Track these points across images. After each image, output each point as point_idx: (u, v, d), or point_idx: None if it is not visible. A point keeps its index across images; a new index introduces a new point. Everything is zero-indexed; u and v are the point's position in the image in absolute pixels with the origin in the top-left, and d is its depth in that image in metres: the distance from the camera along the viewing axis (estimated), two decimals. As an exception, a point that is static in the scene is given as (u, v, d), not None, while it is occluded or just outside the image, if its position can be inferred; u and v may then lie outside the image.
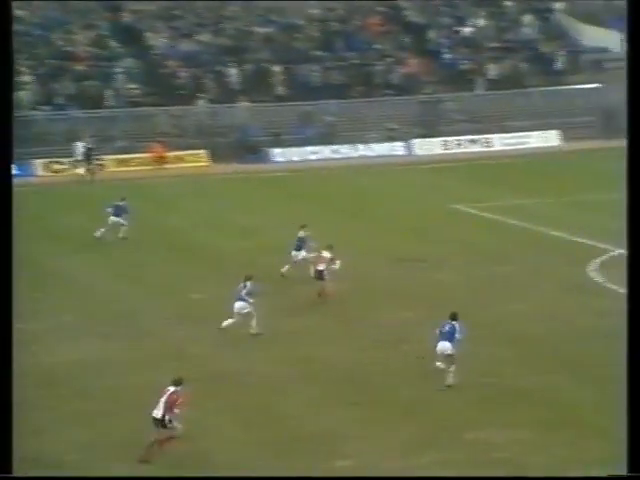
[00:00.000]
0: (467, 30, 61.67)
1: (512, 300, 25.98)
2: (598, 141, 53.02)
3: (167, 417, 16.70)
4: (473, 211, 37.18)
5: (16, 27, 43.28)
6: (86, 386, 20.46)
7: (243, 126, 53.67)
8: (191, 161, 51.16)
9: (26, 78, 51.10)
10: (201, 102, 54.38)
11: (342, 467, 16.75)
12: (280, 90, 56.30)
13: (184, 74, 55.13)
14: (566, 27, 63.47)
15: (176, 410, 16.80)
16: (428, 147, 53.96)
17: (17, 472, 12.78)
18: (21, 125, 42.55)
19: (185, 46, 57.38)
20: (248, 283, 23.65)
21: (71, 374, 21.25)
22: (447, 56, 59.81)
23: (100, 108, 51.88)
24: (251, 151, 52.22)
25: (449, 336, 20.12)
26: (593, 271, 28.29)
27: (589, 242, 31.41)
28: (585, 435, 17.51)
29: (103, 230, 32.90)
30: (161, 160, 49.97)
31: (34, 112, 50.39)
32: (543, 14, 64.24)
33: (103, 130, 50.45)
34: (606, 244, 30.69)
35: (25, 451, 15.64)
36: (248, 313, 23.48)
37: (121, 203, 33.48)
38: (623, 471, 11.78)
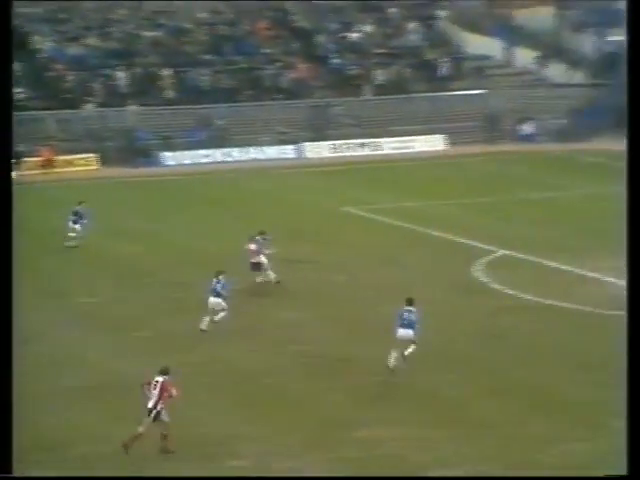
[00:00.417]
0: (354, 36, 62.30)
1: (400, 300, 26.33)
2: (481, 145, 54.20)
3: (159, 407, 16.70)
4: (362, 213, 37.59)
5: None
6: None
7: (133, 130, 53.20)
8: (81, 165, 50.47)
9: None
10: (89, 106, 53.69)
11: (236, 467, 16.80)
12: (169, 94, 55.98)
13: (71, 78, 54.36)
14: (449, 35, 64.63)
15: (165, 399, 16.72)
16: (318, 150, 54.35)
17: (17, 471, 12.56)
18: None
19: (72, 50, 56.58)
20: (221, 277, 23.72)
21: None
22: (335, 61, 60.33)
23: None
24: (142, 155, 51.78)
25: (410, 323, 20.68)
26: (478, 271, 28.88)
27: (474, 243, 32.06)
28: (471, 432, 17.86)
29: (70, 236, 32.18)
30: (49, 164, 49.17)
31: None
32: (427, 21, 65.29)
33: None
34: (490, 245, 31.40)
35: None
36: (222, 309, 23.51)
37: (79, 208, 32.71)
38: (623, 471, 12.05)
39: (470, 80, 60.49)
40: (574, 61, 60.98)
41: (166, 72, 56.45)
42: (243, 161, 52.32)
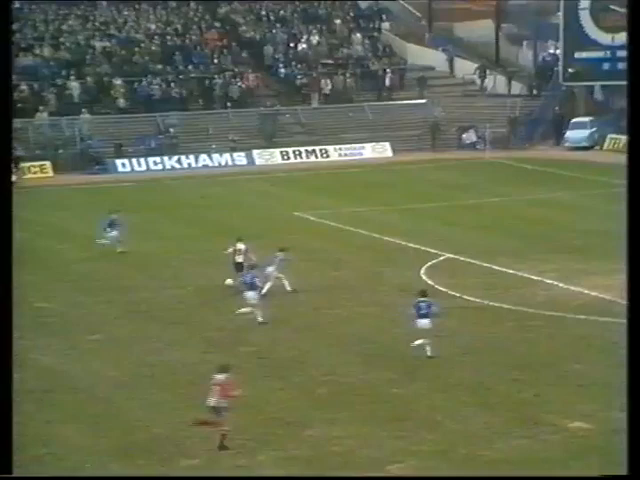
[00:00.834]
0: (301, 47, 62.36)
1: (349, 303, 26.36)
2: (425, 153, 54.52)
3: (219, 405, 16.60)
4: (312, 218, 37.57)
5: None
6: None
7: (86, 138, 52.76)
8: (35, 173, 49.94)
9: None
10: (43, 115, 53.13)
11: (188, 466, 16.66)
12: (121, 102, 55.59)
13: (24, 87, 53.76)
14: (393, 46, 64.96)
15: (227, 397, 16.63)
16: (268, 157, 54.28)
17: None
18: None
19: (25, 60, 55.96)
20: (254, 272, 24.43)
21: None
22: (283, 71, 60.35)
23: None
24: (95, 162, 51.36)
25: (426, 314, 21.51)
26: (424, 274, 28.97)
27: (420, 247, 32.16)
28: (418, 429, 17.88)
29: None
30: (3, 172, 48.45)
31: None
32: (371, 33, 65.57)
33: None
34: (435, 249, 31.52)
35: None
36: (254, 304, 23.91)
37: (114, 216, 31.68)
38: (623, 471, 12.04)
39: (413, 90, 60.82)
40: (512, 72, 61.56)
41: (118, 81, 56.08)
42: (194, 168, 52.16)
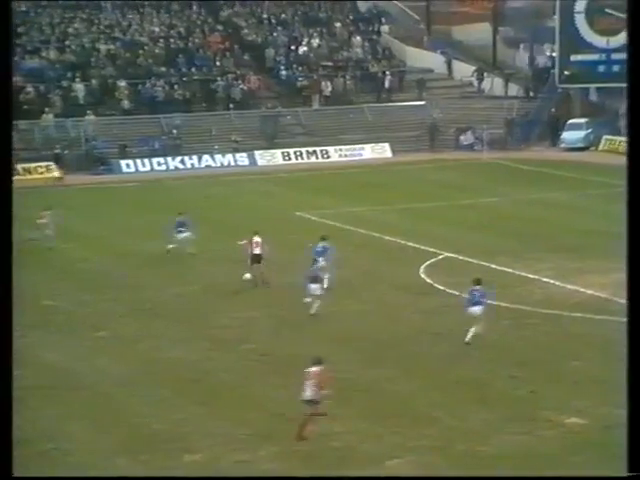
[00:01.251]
0: (302, 50, 62.36)
1: (349, 300, 26.34)
2: (424, 153, 54.53)
3: (316, 397, 16.71)
4: (313, 218, 37.54)
5: None
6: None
7: (90, 139, 52.79)
8: (41, 173, 49.97)
9: None
10: (49, 116, 53.17)
11: (191, 461, 16.64)
12: (126, 104, 55.60)
13: (30, 89, 53.78)
14: (392, 49, 64.94)
15: (323, 389, 16.74)
16: (270, 158, 54.29)
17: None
18: None
19: (31, 62, 55.99)
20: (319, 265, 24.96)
21: None
22: (284, 73, 60.35)
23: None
24: (100, 163, 51.39)
25: (477, 301, 22.05)
26: (423, 273, 28.95)
27: (419, 246, 32.14)
28: (416, 425, 17.86)
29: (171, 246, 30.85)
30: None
31: None
32: (371, 36, 65.55)
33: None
34: (434, 248, 31.50)
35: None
36: (320, 295, 24.25)
37: (182, 218, 31.13)
38: (623, 471, 12.03)
39: (412, 92, 60.81)
40: (509, 75, 61.56)
41: (122, 83, 56.07)
42: (197, 169, 52.17)
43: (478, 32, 64.43)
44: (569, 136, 55.15)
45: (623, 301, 24.76)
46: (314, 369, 17.01)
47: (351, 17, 67.14)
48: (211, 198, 43.29)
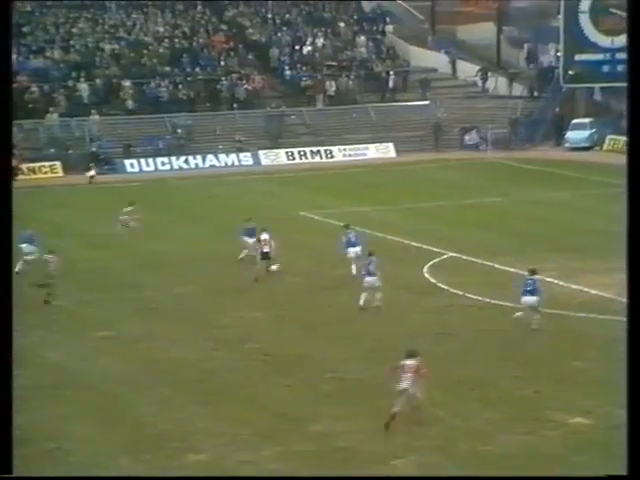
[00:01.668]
0: (306, 49, 62.32)
1: (353, 300, 26.28)
2: (428, 153, 54.44)
3: (412, 388, 16.98)
4: (317, 217, 37.52)
5: None
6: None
7: (95, 138, 52.82)
8: (45, 172, 50.01)
9: None
10: (53, 116, 53.20)
11: (195, 461, 16.63)
12: (130, 104, 55.61)
13: (35, 89, 53.82)
14: (396, 49, 64.88)
15: (418, 381, 17.04)
16: (274, 158, 54.26)
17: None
18: None
19: (35, 62, 56.02)
20: (373, 258, 24.92)
21: None
22: (288, 73, 60.32)
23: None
24: (104, 162, 51.39)
25: (533, 291, 22.73)
26: (427, 272, 28.92)
27: (423, 246, 32.09)
28: (421, 424, 17.82)
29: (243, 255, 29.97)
30: (15, 172, 48.52)
31: None
32: (375, 36, 65.49)
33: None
34: (438, 248, 31.45)
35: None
36: (378, 287, 24.51)
37: (250, 226, 30.09)
38: (623, 471, 12.01)
39: (416, 91, 60.75)
40: (513, 74, 61.48)
41: (126, 83, 56.09)
42: (201, 168, 52.15)
43: (482, 32, 64.35)
44: (573, 136, 55.06)
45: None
46: (409, 362, 17.25)
47: (355, 17, 67.07)
48: (214, 198, 43.28)
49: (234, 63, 59.97)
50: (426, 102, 59.09)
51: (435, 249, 31.40)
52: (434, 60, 63.73)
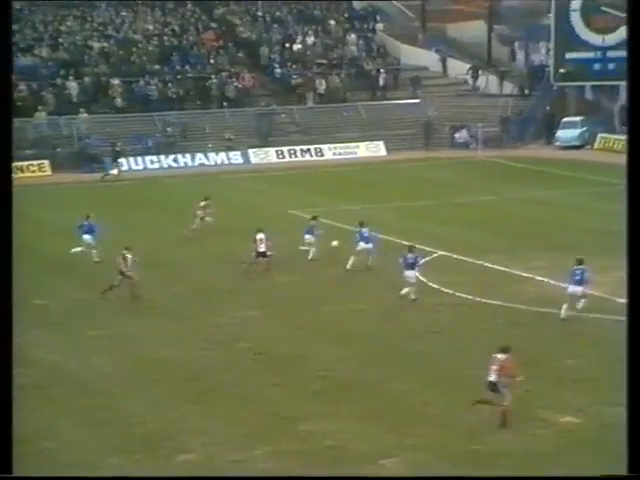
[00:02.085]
0: (297, 47, 62.35)
1: (347, 299, 26.37)
2: (419, 152, 54.55)
3: (499, 381, 17.14)
4: (307, 216, 37.46)
5: None
6: None
7: (83, 137, 52.74)
8: (33, 171, 49.90)
9: None
10: (42, 114, 53.09)
11: (185, 461, 16.65)
12: (119, 102, 55.54)
13: (23, 87, 53.70)
14: (387, 47, 64.96)
15: (505, 377, 17.13)
16: (263, 156, 54.28)
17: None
18: None
19: (24, 60, 55.90)
20: (410, 255, 25.55)
21: None
22: (278, 71, 60.34)
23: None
24: (93, 160, 51.32)
25: (579, 280, 23.69)
26: (418, 271, 28.89)
27: (414, 244, 32.07)
28: (410, 423, 17.89)
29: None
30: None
31: None
32: (365, 34, 65.55)
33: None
34: (428, 246, 31.48)
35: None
36: (414, 282, 25.26)
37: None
38: (614, 470, 12.07)
39: (407, 90, 60.84)
40: (504, 72, 61.63)
41: (115, 81, 56.01)
42: (191, 167, 52.12)
43: (473, 30, 64.50)
44: (564, 134, 55.23)
45: (619, 300, 24.90)
46: (500, 356, 17.40)
47: (346, 15, 67.16)
48: (204, 196, 43.15)
49: (224, 61, 59.97)
50: (416, 100, 59.22)
51: (426, 248, 31.42)
52: (425, 58, 63.87)
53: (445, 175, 47.50)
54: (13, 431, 12.67)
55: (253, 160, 53.87)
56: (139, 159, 52.08)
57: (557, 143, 55.34)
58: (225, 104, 57.15)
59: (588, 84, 58.61)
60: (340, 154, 55.11)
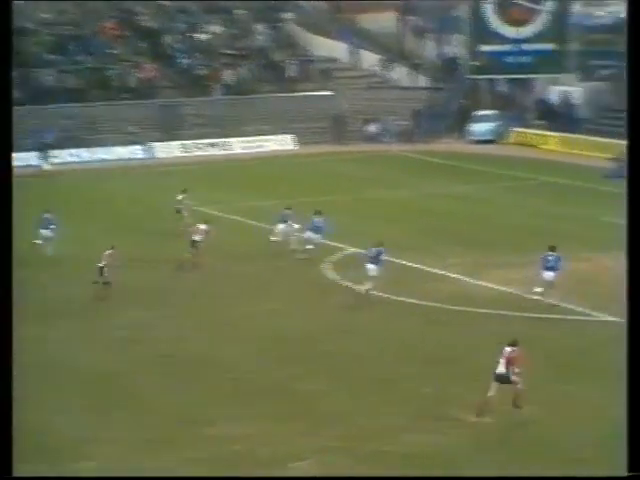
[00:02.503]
0: (202, 37, 62.05)
1: (256, 299, 26.37)
2: (330, 145, 54.83)
3: (509, 373, 17.92)
4: (215, 212, 37.37)
5: None
6: None
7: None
8: None
9: None
10: None
11: (86, 467, 16.48)
12: (14, 94, 54.44)
13: None
14: (296, 37, 65.09)
15: (516, 368, 17.95)
16: (168, 150, 53.91)
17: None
18: None
19: None
20: (379, 248, 25.91)
21: None
22: (183, 61, 59.96)
23: None
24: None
25: (552, 267, 24.55)
26: (329, 269, 29.13)
27: (326, 241, 32.25)
28: (322, 424, 18.01)
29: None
30: None
31: None
32: (274, 24, 65.58)
33: None
34: (340, 243, 31.69)
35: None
36: (374, 276, 25.55)
37: (288, 211, 31.27)
38: (529, 470, 12.18)
39: (317, 82, 61.07)
40: (416, 65, 62.29)
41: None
42: (91, 161, 51.40)
43: (385, 21, 65.01)
44: (478, 128, 56.06)
45: (533, 297, 25.43)
46: (509, 349, 18.17)
47: (253, 4, 67.06)
48: (105, 192, 42.71)
49: (125, 51, 59.33)
50: (328, 93, 59.48)
51: (338, 244, 31.64)
52: (336, 50, 64.17)
53: (357, 169, 47.83)
54: None
55: (158, 154, 53.45)
56: (34, 154, 51.16)
57: (471, 137, 56.13)
58: (126, 95, 56.53)
59: (502, 77, 59.61)
60: (249, 148, 55.06)
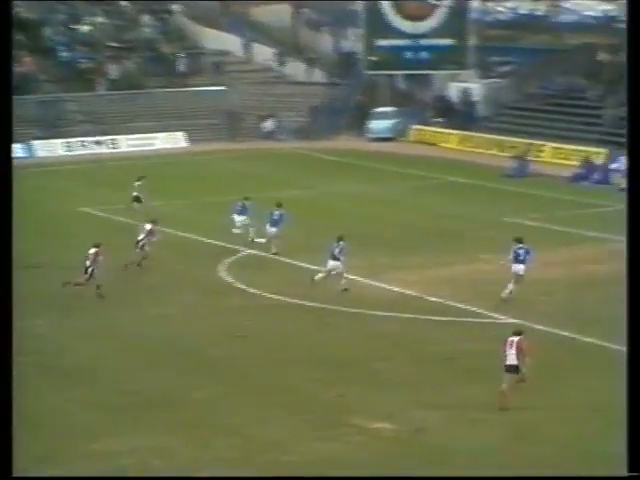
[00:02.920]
0: (84, 28, 61.25)
1: (147, 304, 26.15)
2: (223, 143, 54.66)
3: (519, 363, 18.51)
4: (101, 214, 36.98)
5: None
6: None
7: None
8: None
9: None
10: None
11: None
12: None
13: None
14: (185, 29, 64.74)
15: (525, 357, 18.52)
16: (50, 149, 53.05)
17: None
18: None
19: None
20: (341, 243, 26.63)
21: None
22: (64, 54, 59.06)
23: None
24: None
25: (522, 260, 25.15)
26: (223, 271, 29.07)
27: (218, 243, 32.22)
28: (213, 436, 17.97)
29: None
30: None
31: None
32: (161, 15, 65.09)
33: None
34: (234, 245, 31.65)
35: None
36: (338, 273, 26.34)
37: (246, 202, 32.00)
38: (625, 471, 12.23)
39: (209, 76, 60.84)
40: (312, 59, 62.53)
41: None
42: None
43: (278, 14, 65.10)
44: (376, 125, 56.52)
45: (433, 299, 25.81)
46: (515, 338, 18.73)
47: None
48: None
49: (2, 42, 58.17)
50: (220, 87, 59.28)
51: (232, 246, 31.60)
52: (227, 42, 64.01)
53: (252, 168, 47.82)
54: None
55: (39, 153, 52.55)
56: None
57: (369, 135, 56.57)
58: (3, 91, 55.38)
59: (400, 73, 60.23)
60: (136, 146, 54.54)
